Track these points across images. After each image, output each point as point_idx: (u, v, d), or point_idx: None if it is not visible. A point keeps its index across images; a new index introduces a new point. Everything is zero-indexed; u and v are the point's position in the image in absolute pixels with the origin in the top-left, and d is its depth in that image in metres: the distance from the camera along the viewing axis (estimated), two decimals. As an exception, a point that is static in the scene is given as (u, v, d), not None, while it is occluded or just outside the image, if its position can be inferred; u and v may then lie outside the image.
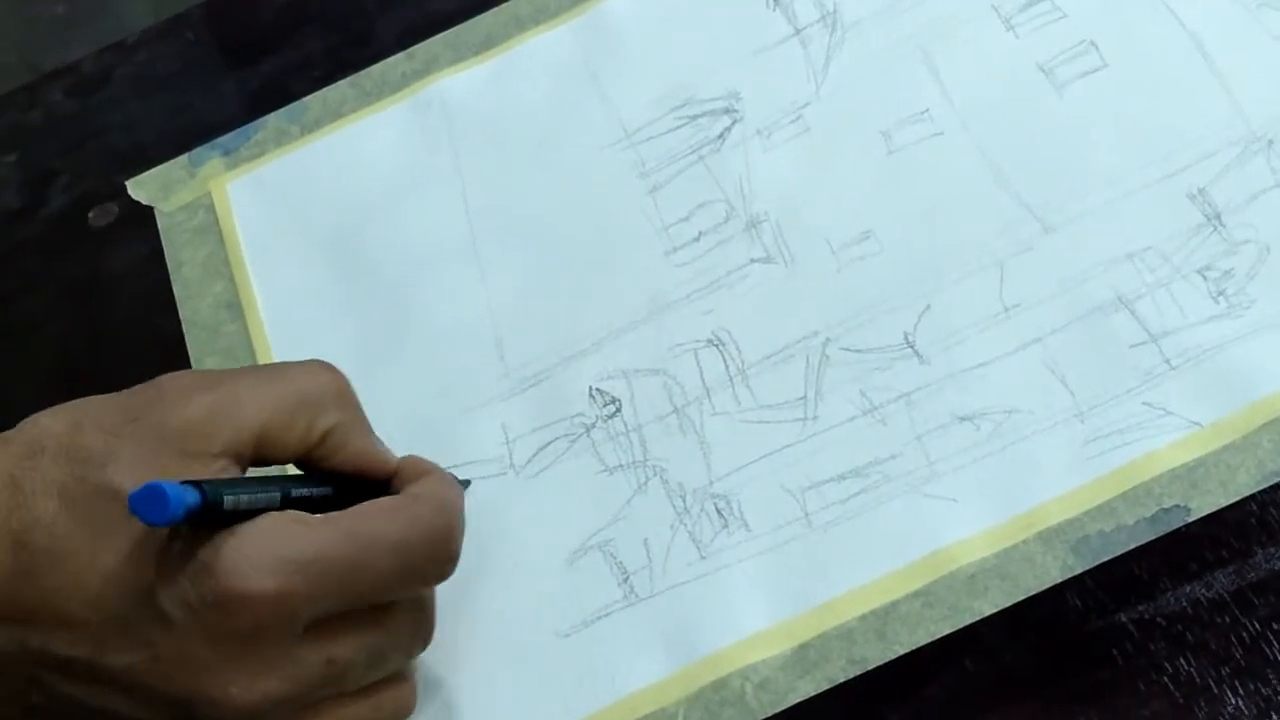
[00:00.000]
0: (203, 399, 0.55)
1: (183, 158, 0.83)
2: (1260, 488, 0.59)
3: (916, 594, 0.61)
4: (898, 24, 0.74)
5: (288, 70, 0.85)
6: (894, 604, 0.61)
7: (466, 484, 0.67)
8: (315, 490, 0.57)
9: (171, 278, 0.79)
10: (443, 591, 0.62)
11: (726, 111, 0.74)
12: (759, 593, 0.62)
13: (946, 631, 0.60)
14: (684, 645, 0.62)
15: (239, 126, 0.83)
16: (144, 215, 0.82)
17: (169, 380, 0.56)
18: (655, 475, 0.66)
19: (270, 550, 0.52)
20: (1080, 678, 0.58)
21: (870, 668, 0.60)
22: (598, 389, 0.69)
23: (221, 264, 0.78)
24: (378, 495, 0.58)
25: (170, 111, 0.86)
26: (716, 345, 0.68)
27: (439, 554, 0.58)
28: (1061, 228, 0.66)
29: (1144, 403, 0.61)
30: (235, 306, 0.77)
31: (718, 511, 0.64)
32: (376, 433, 0.61)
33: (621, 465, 0.67)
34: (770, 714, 0.60)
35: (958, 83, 0.71)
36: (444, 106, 0.80)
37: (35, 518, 0.52)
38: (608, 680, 0.62)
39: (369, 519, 0.55)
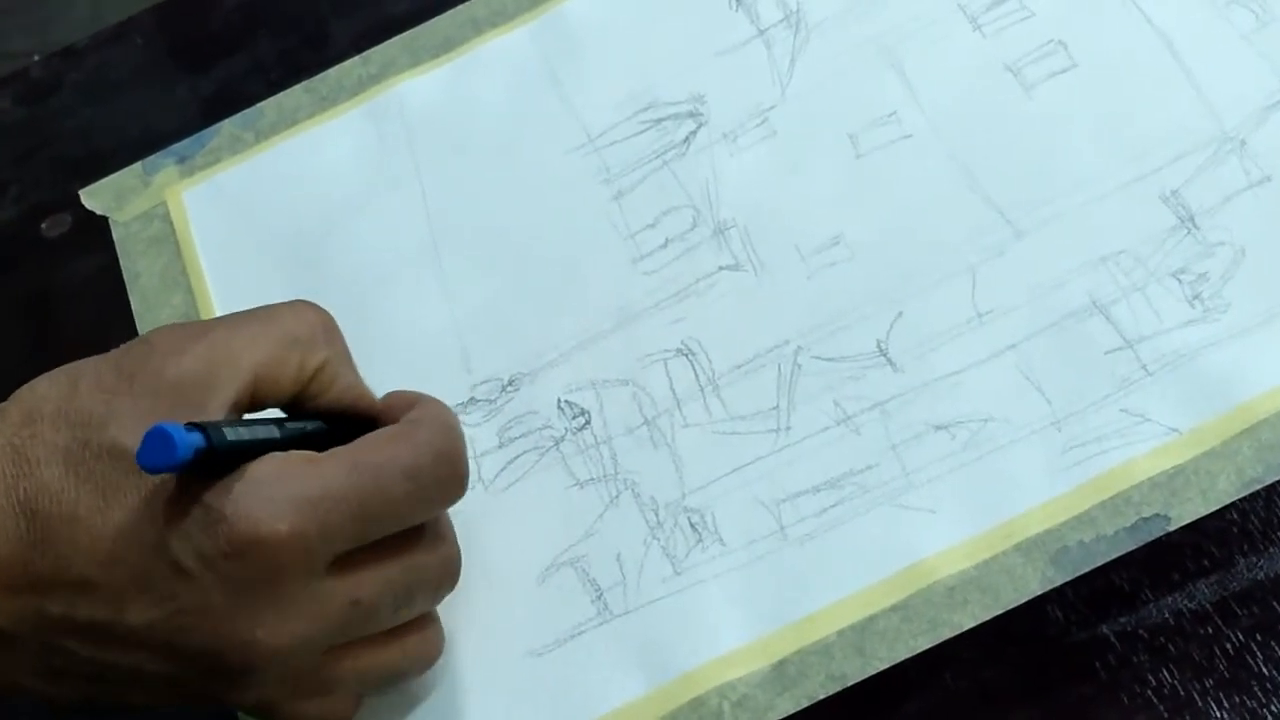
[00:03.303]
0: (195, 350, 0.55)
1: (136, 166, 0.81)
2: (1240, 495, 0.58)
3: (895, 608, 0.60)
4: (862, 24, 0.73)
5: (242, 75, 0.84)
6: (872, 618, 0.60)
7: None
8: (309, 425, 0.57)
9: (128, 289, 0.77)
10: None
11: (691, 115, 0.73)
12: (735, 608, 0.62)
13: (926, 646, 0.59)
14: (660, 663, 0.61)
15: (193, 133, 0.81)
16: (98, 225, 0.80)
17: (159, 335, 0.56)
18: (627, 489, 0.65)
19: (280, 491, 0.51)
20: (1063, 691, 0.57)
21: (850, 684, 0.59)
22: (566, 401, 0.68)
23: (179, 274, 0.77)
24: (367, 429, 0.58)
25: (123, 118, 0.85)
26: (686, 355, 0.67)
27: (447, 473, 0.57)
28: (1033, 232, 0.65)
29: (1121, 409, 0.61)
30: (194, 317, 0.75)
31: (691, 526, 0.64)
32: None
33: (592, 479, 0.66)
34: (749, 732, 0.59)
35: (925, 84, 0.70)
36: (402, 111, 0.78)
37: (42, 484, 0.52)
38: (583, 700, 0.62)
39: (374, 447, 0.55)
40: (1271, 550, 0.58)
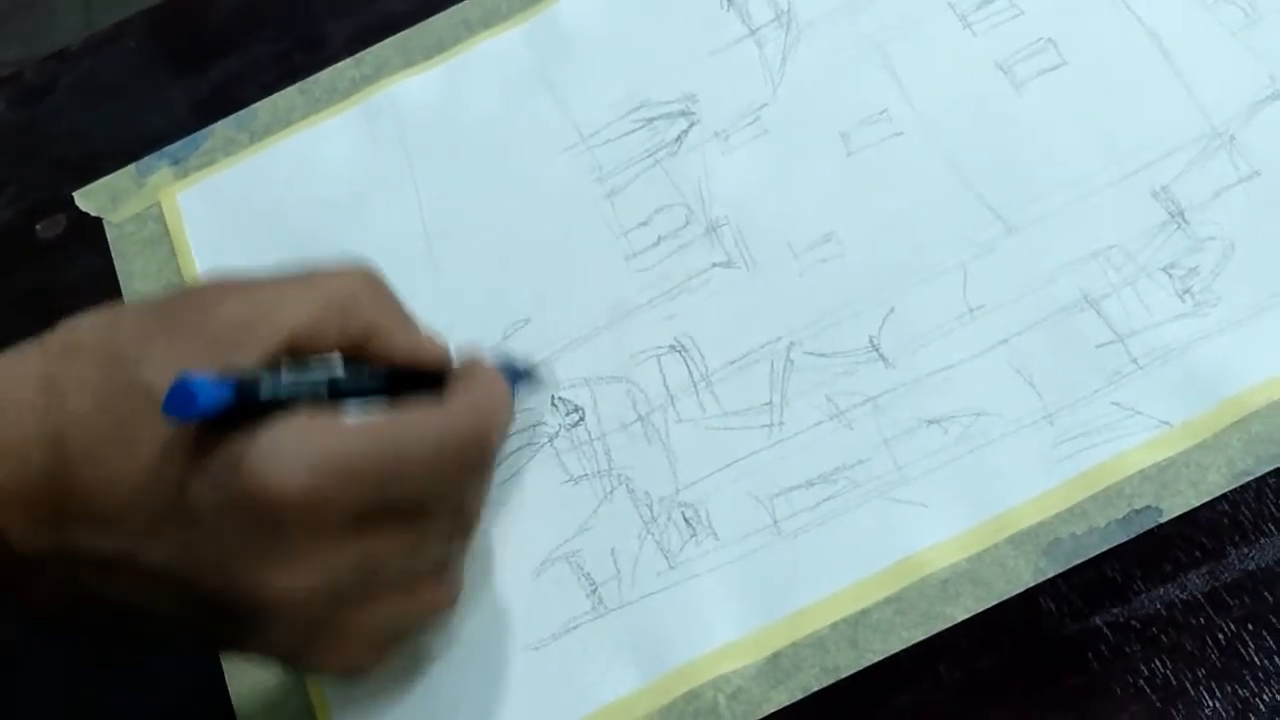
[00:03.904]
0: (236, 302, 0.55)
1: (130, 167, 0.82)
2: (1231, 487, 0.59)
3: (888, 600, 0.60)
4: (853, 23, 0.73)
5: (236, 77, 0.84)
6: (866, 611, 0.60)
7: (528, 374, 0.67)
8: (367, 382, 0.57)
9: (123, 290, 0.78)
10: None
11: (683, 114, 0.74)
12: (729, 602, 0.62)
13: (920, 638, 0.59)
14: (655, 656, 0.62)
15: (187, 135, 0.82)
16: (93, 226, 0.80)
17: (204, 285, 0.58)
18: (621, 484, 0.65)
19: (300, 449, 0.52)
20: (1056, 682, 0.58)
21: (844, 676, 0.59)
22: (560, 397, 0.68)
23: (174, 275, 0.77)
24: (431, 384, 0.59)
25: (117, 120, 0.85)
26: (679, 351, 0.67)
27: (475, 459, 0.58)
28: (1024, 227, 0.66)
29: (1113, 403, 0.61)
30: (188, 318, 0.75)
31: (685, 520, 0.64)
32: None
33: (586, 475, 0.66)
34: (744, 725, 0.60)
35: (916, 82, 0.71)
36: (395, 112, 0.79)
37: (72, 417, 0.53)
38: (579, 693, 0.62)
39: (406, 422, 0.56)
40: (1262, 541, 0.58)
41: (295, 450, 0.52)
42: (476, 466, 0.59)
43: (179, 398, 0.49)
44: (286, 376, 0.53)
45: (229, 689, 0.66)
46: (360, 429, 0.54)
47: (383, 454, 0.54)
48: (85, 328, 0.55)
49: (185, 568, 0.53)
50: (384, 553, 0.56)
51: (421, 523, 0.57)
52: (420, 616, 0.60)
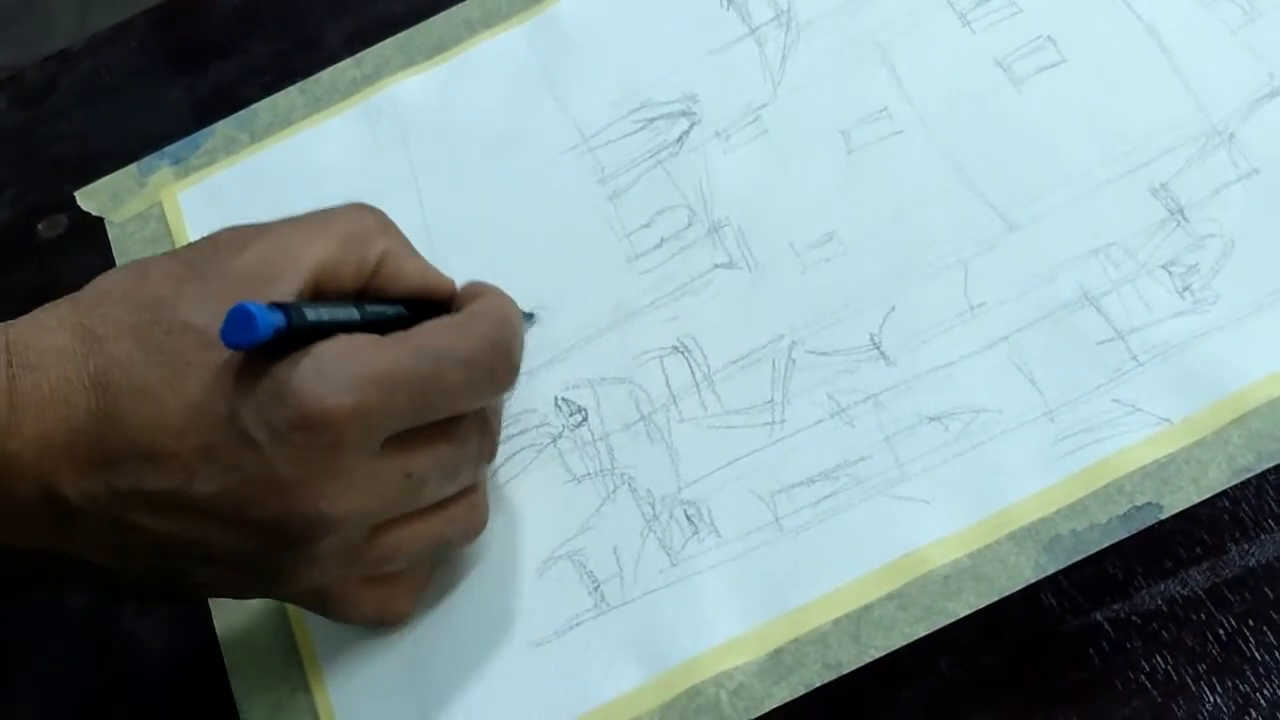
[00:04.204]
0: (258, 245, 0.57)
1: (132, 167, 0.82)
2: (1231, 484, 0.59)
3: (890, 597, 0.60)
4: (853, 21, 0.74)
5: (236, 77, 0.84)
6: (868, 607, 0.60)
7: (530, 317, 0.70)
8: (389, 309, 0.59)
9: (124, 291, 0.78)
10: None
11: (684, 114, 0.74)
12: (731, 599, 0.62)
13: (921, 634, 0.59)
14: (657, 653, 0.62)
15: (188, 135, 0.82)
16: (94, 226, 0.81)
17: (223, 234, 0.59)
18: (624, 483, 0.66)
19: (345, 368, 0.53)
20: (1057, 678, 0.58)
21: (846, 672, 0.60)
22: (563, 398, 0.68)
23: (175, 275, 0.77)
24: (442, 312, 0.61)
25: (118, 120, 0.85)
26: (682, 352, 0.68)
27: (502, 364, 0.60)
28: (1025, 225, 0.66)
29: (1113, 400, 0.61)
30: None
31: (687, 518, 0.64)
32: None
33: (589, 474, 0.66)
34: (747, 721, 0.60)
35: (916, 80, 0.71)
36: (396, 112, 0.79)
37: (113, 359, 0.54)
38: (581, 690, 0.62)
39: (435, 334, 0.58)
40: (1263, 537, 0.58)
41: (339, 368, 0.53)
42: (502, 372, 0.60)
43: (238, 323, 0.50)
44: (325, 309, 0.55)
45: (232, 688, 0.66)
46: (396, 343, 0.56)
47: (419, 363, 0.55)
48: (115, 279, 0.57)
49: (239, 494, 0.53)
50: (424, 468, 0.58)
51: (455, 439, 0.59)
52: (451, 534, 0.62)
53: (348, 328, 0.55)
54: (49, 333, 0.55)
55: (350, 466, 0.54)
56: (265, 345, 0.51)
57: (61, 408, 0.54)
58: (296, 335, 0.53)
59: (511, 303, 0.62)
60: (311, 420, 0.52)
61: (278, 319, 0.51)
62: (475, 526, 0.63)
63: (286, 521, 0.54)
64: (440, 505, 0.61)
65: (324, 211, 0.60)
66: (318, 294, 0.57)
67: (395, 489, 0.57)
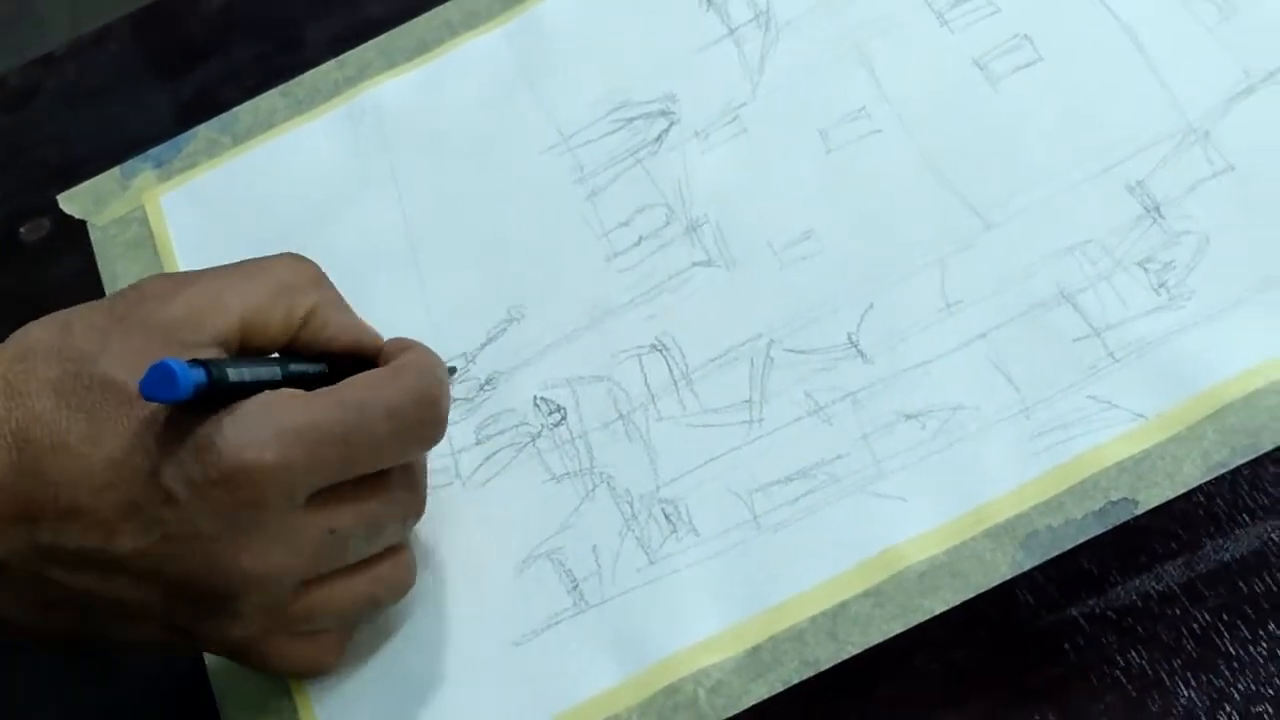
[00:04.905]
0: (185, 294, 0.57)
1: (114, 170, 0.82)
2: (1206, 479, 0.59)
3: (867, 594, 0.60)
4: (831, 22, 0.74)
5: (218, 80, 0.84)
6: (845, 604, 0.61)
7: (453, 370, 0.69)
8: (311, 367, 0.59)
9: (106, 292, 0.78)
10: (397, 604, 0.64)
11: (663, 114, 0.74)
12: (709, 596, 0.62)
13: (898, 630, 0.60)
14: (635, 651, 0.62)
15: (171, 138, 0.82)
16: (77, 229, 0.81)
17: (149, 282, 0.59)
18: (602, 482, 0.66)
19: (268, 422, 0.53)
20: (1033, 673, 0.58)
21: (823, 668, 0.60)
22: (542, 398, 0.69)
23: (157, 277, 0.77)
24: (368, 368, 0.61)
25: (101, 124, 0.85)
26: (660, 350, 0.68)
27: (428, 416, 0.60)
28: (1002, 223, 0.66)
29: (1089, 396, 0.62)
30: (172, 320, 0.76)
31: (665, 517, 0.64)
32: None
33: (568, 473, 0.67)
34: (724, 718, 0.60)
35: (893, 79, 0.71)
36: (377, 114, 0.79)
37: (34, 415, 0.54)
38: (560, 688, 0.62)
39: (360, 387, 0.57)
40: (1237, 532, 0.58)
41: (261, 423, 0.53)
42: (428, 425, 0.60)
43: (159, 379, 0.50)
44: (246, 366, 0.55)
45: (213, 686, 0.66)
46: (320, 397, 0.56)
47: (344, 416, 0.55)
48: (37, 334, 0.57)
49: (158, 552, 0.53)
50: (348, 526, 0.57)
51: (380, 495, 0.59)
52: (378, 594, 0.62)
53: (270, 386, 0.55)
54: None
55: (273, 522, 0.54)
56: (187, 402, 0.51)
57: None
58: (218, 392, 0.53)
59: (437, 358, 0.62)
60: (233, 475, 0.52)
61: (199, 375, 0.51)
62: (402, 586, 0.63)
63: (207, 578, 0.54)
64: (366, 563, 0.61)
65: (255, 261, 0.61)
66: (244, 343, 0.57)
67: (318, 546, 0.57)
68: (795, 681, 0.60)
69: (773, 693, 0.60)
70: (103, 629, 0.57)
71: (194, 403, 0.52)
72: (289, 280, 0.60)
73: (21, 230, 0.82)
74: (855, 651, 0.60)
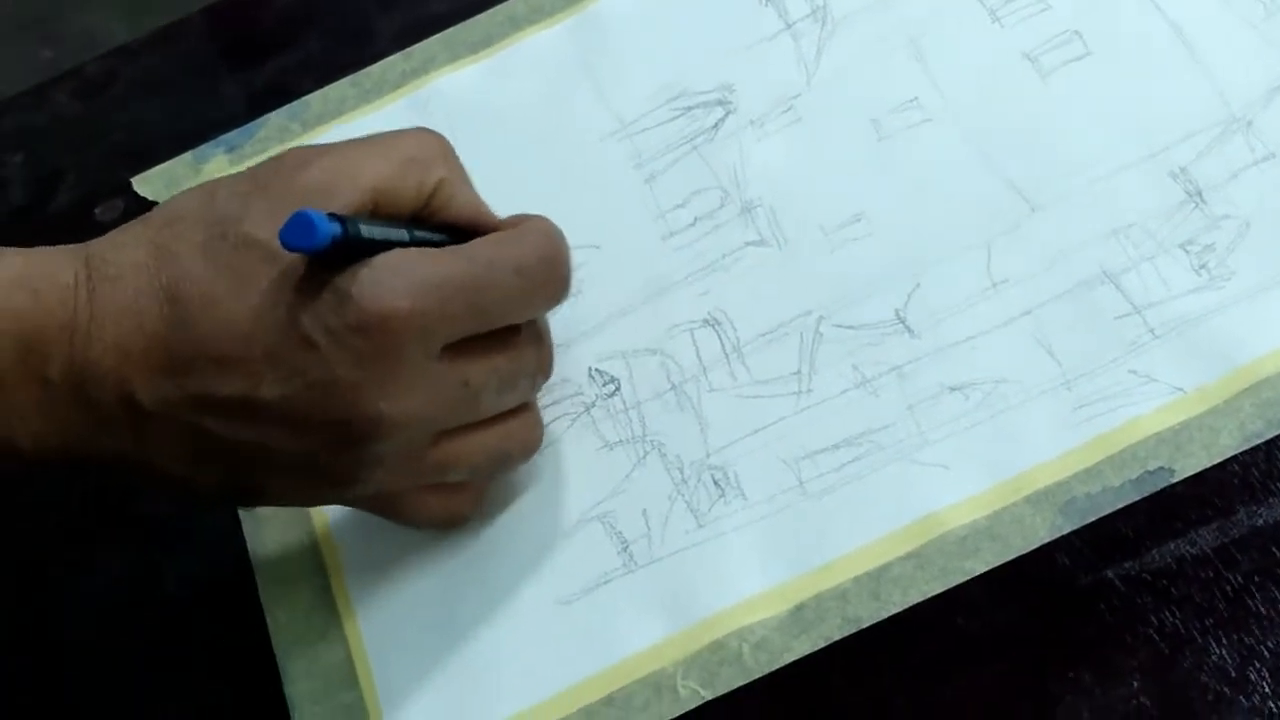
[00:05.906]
0: (321, 163, 0.60)
1: (187, 155, 0.84)
2: (1242, 449, 0.61)
3: (909, 556, 0.62)
4: (886, 18, 0.76)
5: (289, 71, 0.87)
6: (887, 566, 0.62)
7: None
8: (435, 236, 0.61)
9: (175, 270, 0.80)
10: (450, 563, 0.67)
11: (720, 103, 0.76)
12: (755, 558, 0.64)
13: (938, 591, 0.61)
14: (682, 609, 0.64)
15: (242, 125, 0.85)
16: (149, 210, 0.83)
17: (289, 153, 0.61)
18: (654, 449, 0.68)
19: (403, 274, 0.56)
20: (1069, 633, 0.59)
21: (864, 626, 0.61)
22: (597, 369, 0.70)
23: (226, 256, 0.80)
24: None
25: (174, 112, 0.88)
26: (712, 325, 0.70)
27: (553, 274, 0.63)
28: (1048, 207, 0.68)
29: (1129, 370, 0.63)
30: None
31: (715, 482, 0.66)
32: None
33: (621, 441, 0.68)
34: (767, 672, 0.61)
35: (945, 72, 0.73)
36: (442, 103, 0.81)
37: (183, 272, 0.57)
38: (607, 643, 0.64)
39: (488, 245, 0.61)
40: (1271, 500, 0.60)
41: (396, 275, 0.56)
42: (554, 283, 0.63)
43: (298, 228, 0.53)
44: (377, 227, 0.57)
45: (268, 627, 0.69)
46: (453, 256, 0.58)
47: (475, 272, 0.58)
48: (183, 201, 0.60)
49: (302, 399, 0.56)
50: (481, 377, 0.60)
51: (511, 351, 0.62)
52: (509, 449, 0.64)
53: (397, 245, 0.57)
54: (126, 249, 0.58)
55: (408, 370, 0.57)
56: (323, 255, 0.54)
57: (138, 317, 0.57)
58: (352, 247, 0.55)
59: (557, 226, 0.64)
60: (369, 323, 0.55)
61: (335, 228, 0.53)
62: (532, 442, 0.66)
63: (349, 421, 0.57)
64: (498, 419, 0.63)
65: (389, 134, 0.63)
66: (374, 213, 0.59)
67: (453, 396, 0.59)
68: (837, 638, 0.61)
69: (814, 649, 0.61)
70: (250, 480, 0.60)
71: (331, 256, 0.54)
72: (419, 153, 0.62)
73: (96, 210, 0.85)
74: (896, 610, 0.61)
